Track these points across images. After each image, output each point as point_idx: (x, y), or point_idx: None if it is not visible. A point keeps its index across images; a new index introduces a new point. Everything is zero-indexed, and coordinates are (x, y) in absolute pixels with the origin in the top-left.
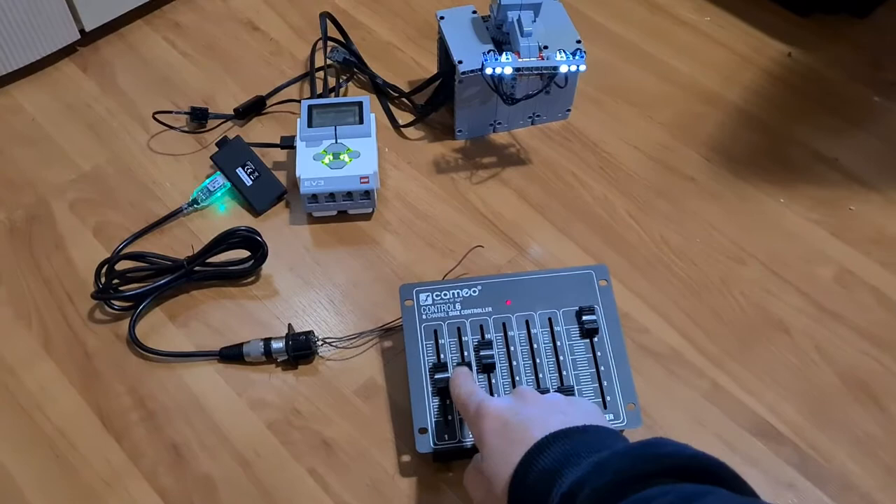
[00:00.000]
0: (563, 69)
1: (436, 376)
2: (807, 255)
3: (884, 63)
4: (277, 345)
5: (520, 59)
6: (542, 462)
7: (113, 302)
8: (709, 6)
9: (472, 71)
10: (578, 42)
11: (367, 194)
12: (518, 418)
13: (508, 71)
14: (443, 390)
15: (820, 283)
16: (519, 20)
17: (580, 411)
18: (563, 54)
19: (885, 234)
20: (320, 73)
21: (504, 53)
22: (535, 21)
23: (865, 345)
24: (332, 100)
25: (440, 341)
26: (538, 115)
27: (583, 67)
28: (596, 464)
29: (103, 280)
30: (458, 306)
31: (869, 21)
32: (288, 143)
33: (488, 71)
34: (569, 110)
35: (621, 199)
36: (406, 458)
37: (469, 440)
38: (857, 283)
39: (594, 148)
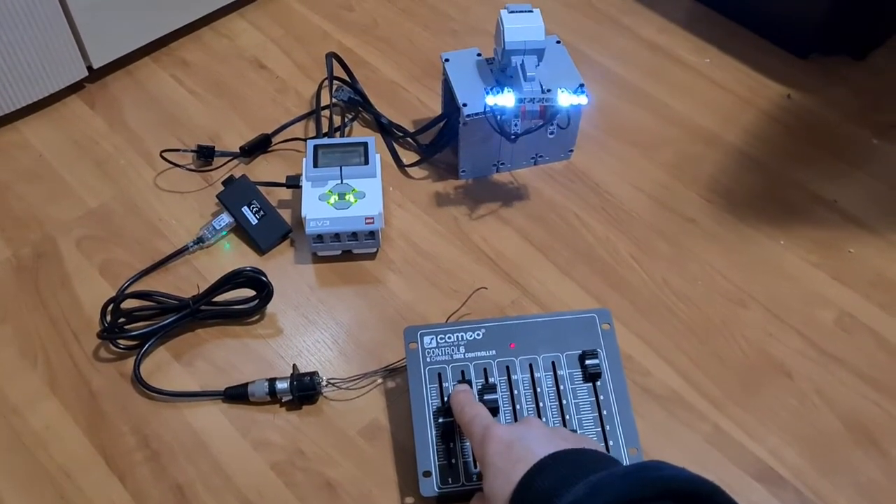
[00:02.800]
0: (564, 101)
1: (440, 420)
2: (807, 298)
3: (882, 105)
4: (282, 385)
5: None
6: (541, 481)
7: (118, 341)
8: (708, 47)
9: (476, 114)
10: (581, 86)
11: (372, 234)
12: (522, 441)
13: (510, 102)
14: (447, 434)
15: (821, 327)
16: (522, 64)
17: (583, 440)
18: (564, 90)
19: (885, 277)
20: (326, 112)
21: (506, 88)
22: (538, 65)
23: (867, 389)
24: (337, 140)
25: (444, 384)
26: (541, 156)
27: (584, 100)
28: (592, 485)
29: (109, 319)
30: (462, 349)
31: (867, 63)
32: (293, 183)
33: (490, 102)
34: (571, 151)
35: (623, 241)
36: (409, 500)
37: (472, 485)
38: (858, 326)
39: (596, 188)
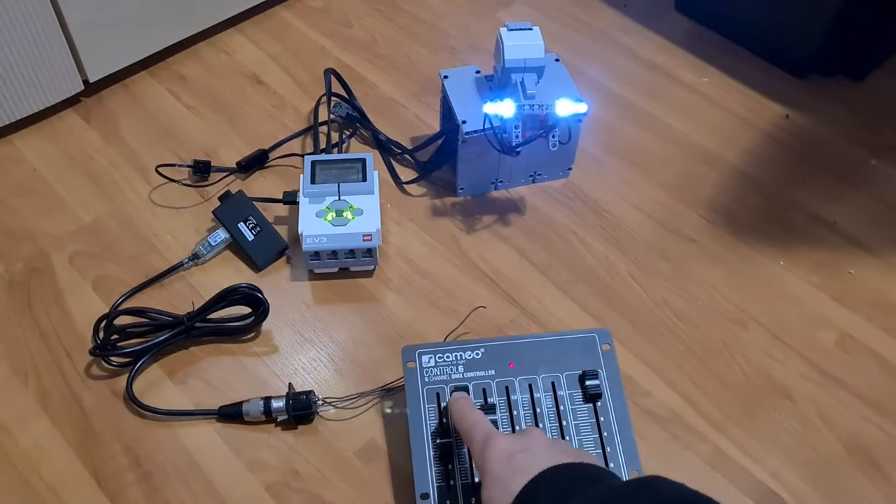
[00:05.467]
0: (563, 109)
1: (438, 441)
2: (808, 319)
3: (880, 127)
4: (277, 404)
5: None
6: (540, 494)
7: (111, 358)
8: (707, 67)
9: (476, 131)
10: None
11: (370, 252)
12: (523, 452)
13: (510, 111)
14: (446, 455)
15: (822, 348)
16: (522, 82)
17: (583, 454)
18: (564, 98)
19: (886, 299)
20: (323, 128)
21: (505, 97)
22: (538, 83)
23: (868, 411)
24: (335, 156)
25: (443, 405)
26: (539, 174)
27: (583, 108)
28: (591, 500)
29: (102, 335)
30: (460, 369)
31: (865, 85)
32: (290, 199)
33: (487, 109)
34: (570, 169)
35: (623, 260)
36: None
37: None
38: (859, 348)
39: (595, 207)
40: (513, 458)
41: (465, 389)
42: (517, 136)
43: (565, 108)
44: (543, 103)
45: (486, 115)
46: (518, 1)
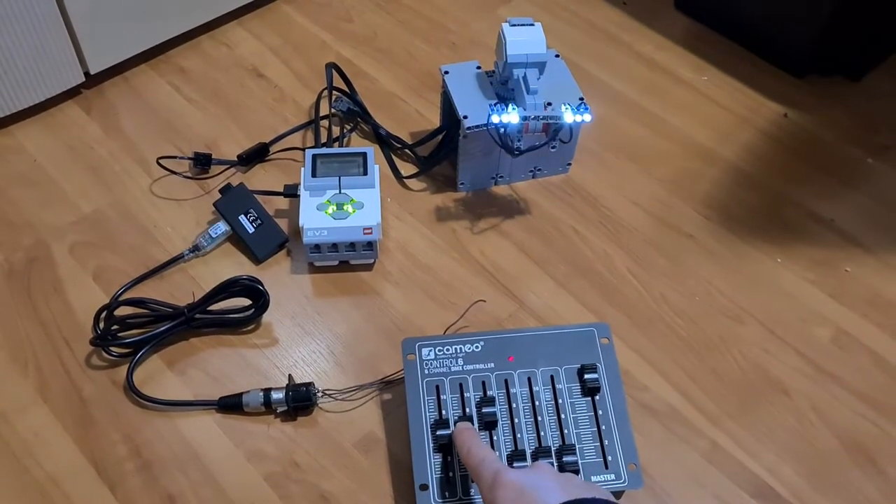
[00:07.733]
0: (569, 119)
1: (437, 432)
2: (804, 316)
3: (877, 126)
4: (277, 395)
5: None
6: None
7: (111, 348)
8: (706, 66)
9: (476, 126)
10: (581, 100)
11: (370, 245)
12: (535, 489)
13: (515, 120)
14: (444, 446)
15: (817, 344)
16: (524, 77)
17: (594, 488)
18: (567, 107)
19: (881, 296)
20: (324, 122)
21: (510, 105)
22: (539, 78)
23: (863, 407)
24: (336, 150)
25: (442, 397)
26: (539, 170)
27: (588, 118)
28: None
29: (102, 326)
30: (460, 361)
31: (862, 84)
32: (291, 192)
33: (495, 119)
34: (569, 165)
35: (621, 255)
36: None
37: (470, 499)
38: (855, 344)
39: (594, 203)
40: (523, 494)
41: (465, 382)
42: (519, 140)
43: (571, 118)
44: (549, 115)
45: (490, 123)
46: None
